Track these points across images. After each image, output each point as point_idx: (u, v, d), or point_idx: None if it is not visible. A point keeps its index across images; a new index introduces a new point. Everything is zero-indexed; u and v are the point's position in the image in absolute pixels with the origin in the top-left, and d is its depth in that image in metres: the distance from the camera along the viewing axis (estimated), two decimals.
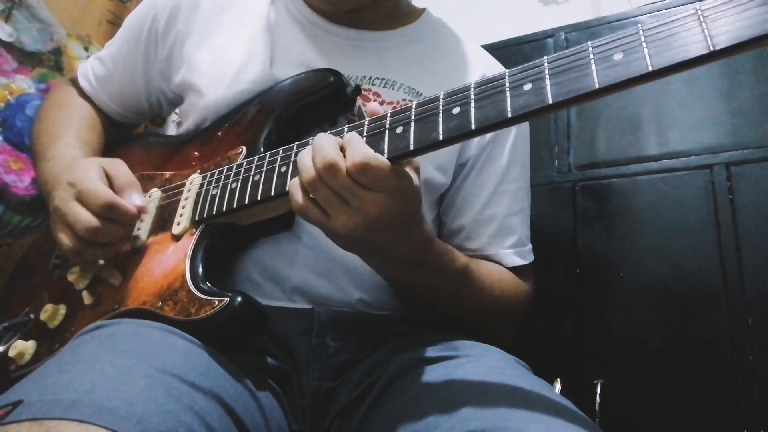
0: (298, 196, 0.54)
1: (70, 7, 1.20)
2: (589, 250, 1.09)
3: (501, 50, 1.27)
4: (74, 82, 0.93)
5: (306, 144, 0.60)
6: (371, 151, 0.51)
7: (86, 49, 1.22)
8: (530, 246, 0.81)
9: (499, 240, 0.78)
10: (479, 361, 0.60)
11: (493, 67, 0.86)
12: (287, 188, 0.58)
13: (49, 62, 1.15)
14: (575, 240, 1.10)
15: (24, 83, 1.09)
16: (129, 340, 0.54)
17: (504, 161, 0.79)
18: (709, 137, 1.04)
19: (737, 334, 0.91)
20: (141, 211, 0.68)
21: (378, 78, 0.77)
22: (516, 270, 0.78)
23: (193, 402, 0.48)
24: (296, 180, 0.55)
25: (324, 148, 0.51)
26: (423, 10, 0.87)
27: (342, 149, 0.52)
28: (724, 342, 0.92)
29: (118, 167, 0.70)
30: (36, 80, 1.12)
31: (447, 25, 0.89)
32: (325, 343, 0.66)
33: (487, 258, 0.77)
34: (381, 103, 0.76)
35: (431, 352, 0.63)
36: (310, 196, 0.53)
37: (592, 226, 1.10)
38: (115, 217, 0.65)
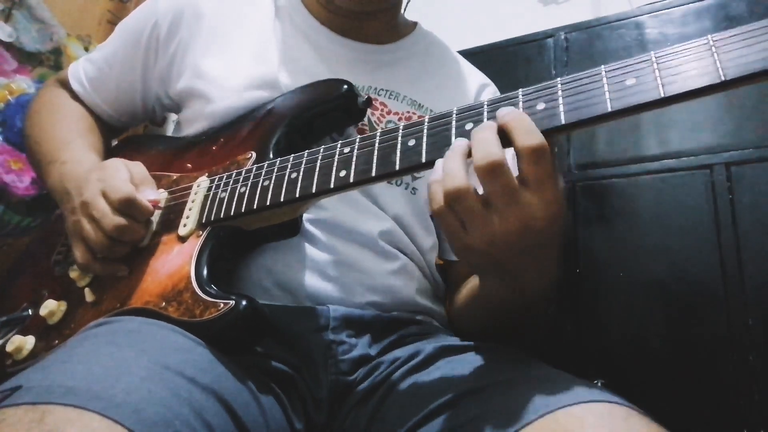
0: (439, 197, 0.49)
1: (70, 7, 1.20)
2: (589, 250, 1.09)
3: (501, 50, 1.27)
4: (63, 84, 0.91)
5: (317, 153, 0.60)
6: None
7: (86, 49, 1.22)
8: None
9: None
10: (490, 349, 0.63)
11: (487, 80, 0.92)
12: (316, 188, 0.58)
13: (49, 62, 1.15)
14: (575, 240, 1.10)
15: (24, 83, 1.09)
16: (130, 335, 0.55)
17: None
18: (709, 137, 1.03)
19: (737, 334, 0.91)
20: (155, 204, 0.69)
21: (383, 89, 0.79)
22: None
23: (191, 396, 0.48)
24: (437, 179, 0.49)
25: (488, 144, 0.46)
26: (415, 23, 0.91)
27: (504, 132, 0.47)
28: (724, 342, 0.92)
29: (136, 167, 0.72)
30: (36, 80, 1.12)
31: (437, 37, 0.93)
32: (341, 339, 0.67)
33: None
34: (387, 113, 0.78)
35: (445, 347, 0.65)
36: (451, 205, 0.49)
37: (592, 226, 1.10)
38: (131, 213, 0.66)
